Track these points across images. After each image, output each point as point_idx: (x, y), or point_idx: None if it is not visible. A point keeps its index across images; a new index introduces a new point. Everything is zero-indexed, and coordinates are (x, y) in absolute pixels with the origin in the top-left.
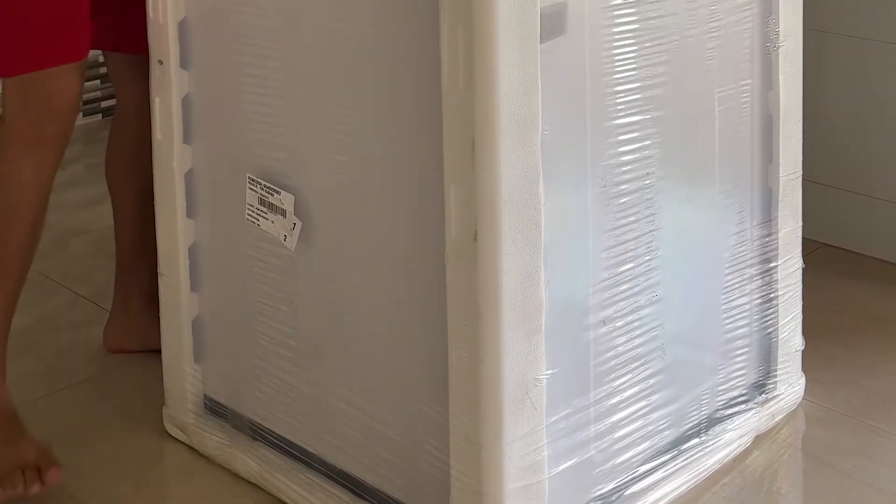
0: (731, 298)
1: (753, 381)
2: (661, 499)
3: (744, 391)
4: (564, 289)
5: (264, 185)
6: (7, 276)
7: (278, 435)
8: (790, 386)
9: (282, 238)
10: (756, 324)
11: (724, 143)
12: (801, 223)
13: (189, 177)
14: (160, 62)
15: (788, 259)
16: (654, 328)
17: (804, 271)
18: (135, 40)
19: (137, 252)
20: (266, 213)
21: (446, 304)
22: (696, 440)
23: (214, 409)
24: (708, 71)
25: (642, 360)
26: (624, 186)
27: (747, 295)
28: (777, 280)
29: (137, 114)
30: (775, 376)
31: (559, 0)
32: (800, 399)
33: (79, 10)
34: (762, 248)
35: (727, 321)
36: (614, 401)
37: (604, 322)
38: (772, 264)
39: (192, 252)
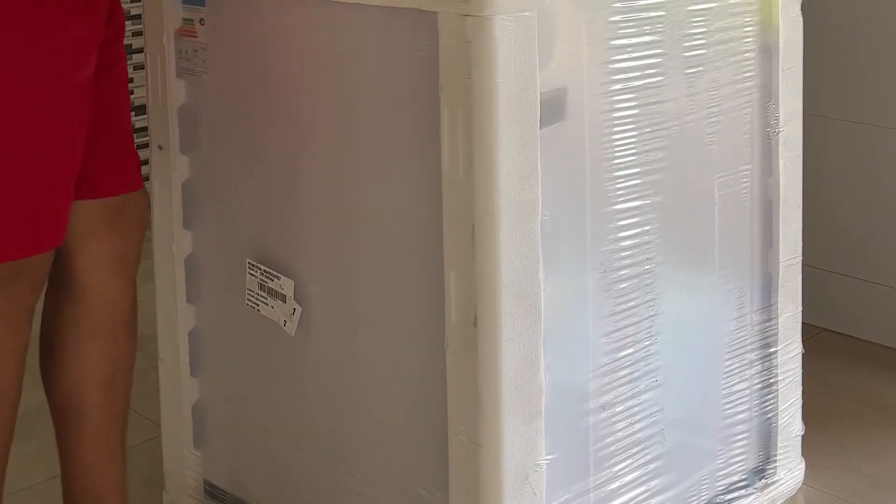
0: (730, 383)
1: (753, 466)
2: None
3: (744, 476)
4: (564, 374)
5: (264, 270)
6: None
7: None
8: (790, 471)
9: (282, 323)
10: (756, 409)
11: (723, 229)
12: (801, 308)
13: (189, 262)
14: (160, 147)
15: (788, 344)
16: (653, 413)
17: (804, 356)
18: (121, 180)
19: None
20: (266, 299)
21: (446, 388)
22: None
23: (215, 494)
24: (708, 156)
25: (642, 446)
26: (624, 272)
27: (747, 380)
28: (777, 365)
29: (110, 303)
30: (775, 461)
31: (559, 86)
32: (800, 484)
33: (64, 194)
34: (762, 334)
35: (727, 406)
36: (614, 486)
37: (604, 407)
38: (772, 349)
39: (192, 337)
